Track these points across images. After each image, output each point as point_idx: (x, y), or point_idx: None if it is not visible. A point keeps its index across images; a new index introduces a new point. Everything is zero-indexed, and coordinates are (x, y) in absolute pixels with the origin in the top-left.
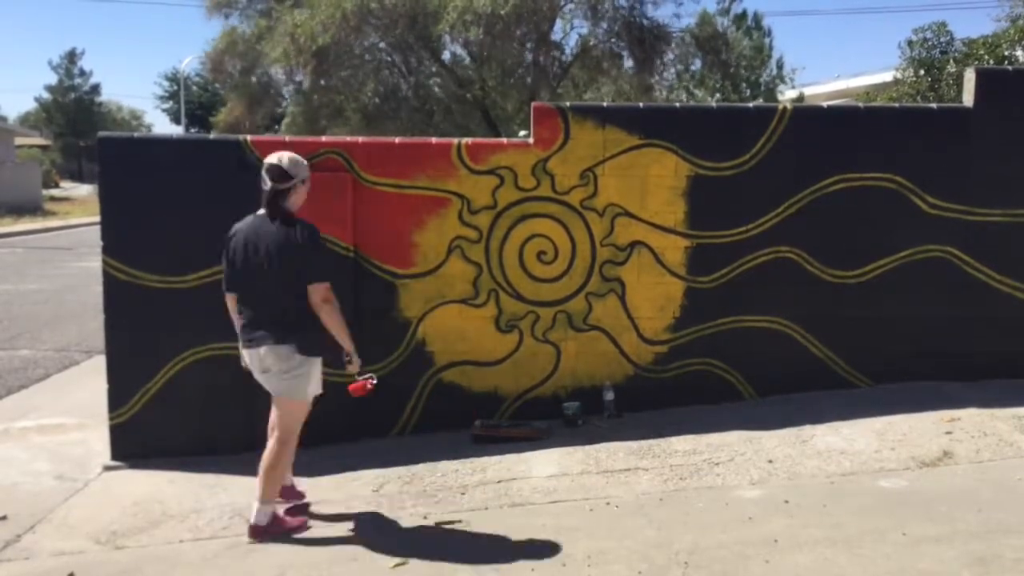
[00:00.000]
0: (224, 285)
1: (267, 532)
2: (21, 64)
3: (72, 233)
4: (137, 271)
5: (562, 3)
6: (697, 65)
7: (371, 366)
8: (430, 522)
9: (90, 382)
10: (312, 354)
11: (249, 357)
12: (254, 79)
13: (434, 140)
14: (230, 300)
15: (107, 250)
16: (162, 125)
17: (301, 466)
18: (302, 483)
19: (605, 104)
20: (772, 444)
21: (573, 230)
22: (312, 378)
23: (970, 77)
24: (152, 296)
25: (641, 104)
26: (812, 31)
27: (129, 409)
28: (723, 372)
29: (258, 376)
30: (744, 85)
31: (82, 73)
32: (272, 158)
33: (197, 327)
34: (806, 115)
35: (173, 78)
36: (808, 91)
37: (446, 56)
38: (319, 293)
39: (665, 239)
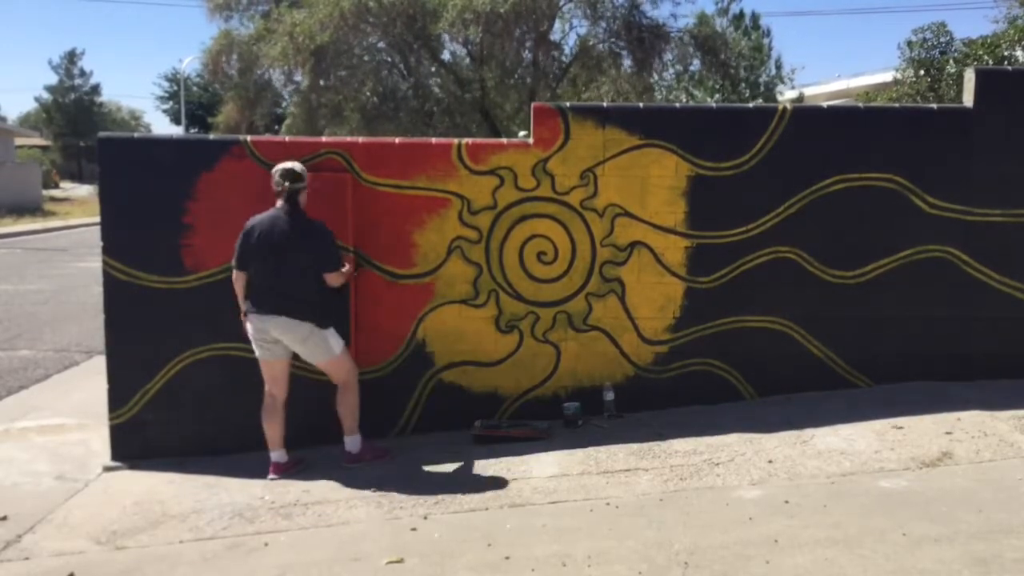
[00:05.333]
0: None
1: (360, 459)
2: (21, 64)
3: (72, 233)
4: (137, 271)
5: (561, 2)
6: (696, 65)
7: (371, 367)
8: (430, 522)
9: (90, 382)
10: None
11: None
12: (253, 80)
13: (434, 140)
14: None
15: (107, 250)
16: (162, 126)
17: (301, 466)
18: (305, 484)
19: (605, 104)
20: (772, 444)
21: (573, 230)
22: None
23: (970, 77)
24: (152, 296)
25: (641, 104)
26: (812, 31)
27: (129, 409)
28: (723, 372)
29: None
30: (743, 85)
31: (82, 73)
32: (287, 164)
33: (197, 327)
34: (806, 115)
35: (173, 79)
36: (808, 91)
37: (445, 56)
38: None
39: (665, 239)
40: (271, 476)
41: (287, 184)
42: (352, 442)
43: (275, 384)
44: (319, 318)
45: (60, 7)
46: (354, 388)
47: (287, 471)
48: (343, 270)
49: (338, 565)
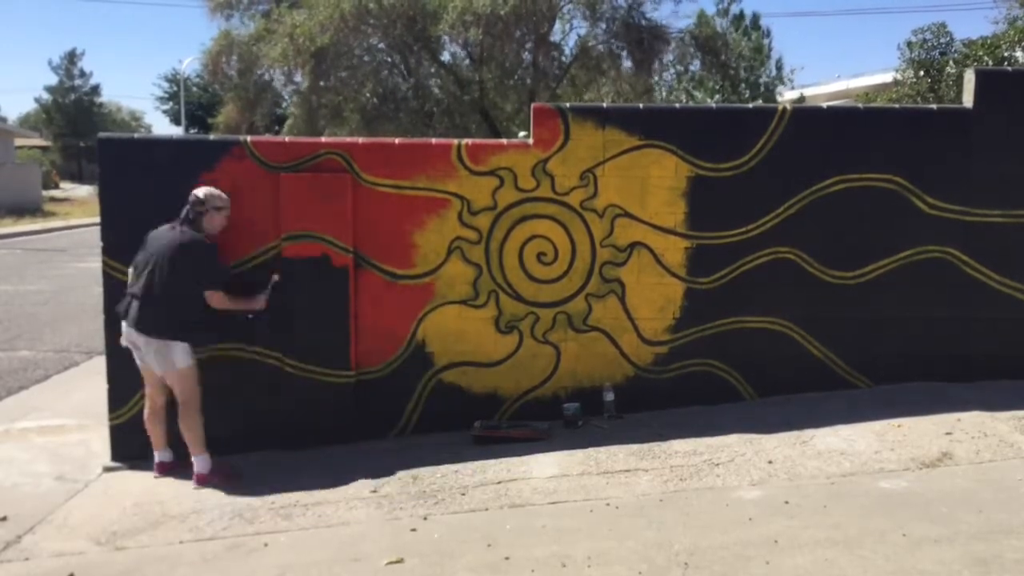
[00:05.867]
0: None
1: (209, 480)
2: (21, 64)
3: (72, 234)
4: None
5: (561, 3)
6: (696, 66)
7: (371, 367)
8: (430, 522)
9: (90, 383)
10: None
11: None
12: (253, 80)
13: (434, 141)
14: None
15: (107, 251)
16: (162, 126)
17: (303, 467)
18: (305, 484)
19: (605, 105)
20: (772, 445)
21: (573, 231)
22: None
23: (970, 78)
24: None
25: (641, 105)
26: (812, 31)
27: (129, 410)
28: (723, 373)
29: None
30: (743, 86)
31: (82, 74)
32: (200, 190)
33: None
34: (806, 116)
35: (173, 79)
36: (808, 92)
37: (445, 57)
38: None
39: (665, 240)
40: (155, 474)
41: (188, 206)
42: (200, 462)
43: (154, 389)
44: (172, 330)
45: (60, 7)
46: (194, 408)
47: (170, 471)
48: (231, 296)
49: (338, 565)
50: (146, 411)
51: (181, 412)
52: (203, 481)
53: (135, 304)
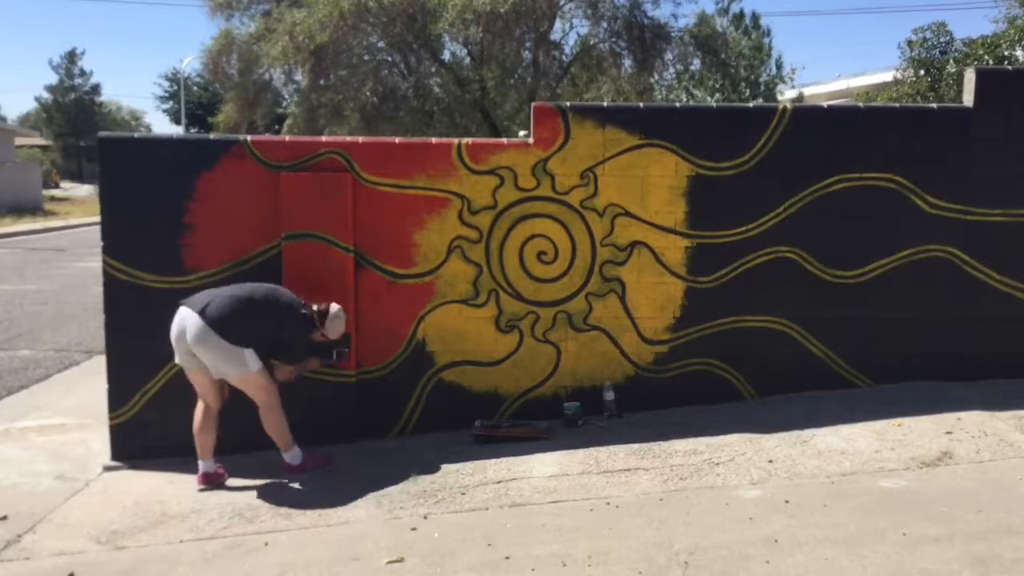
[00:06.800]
0: None
1: (302, 469)
2: (21, 64)
3: (72, 233)
4: (137, 271)
5: (561, 2)
6: (696, 65)
7: (371, 366)
8: (430, 522)
9: (90, 382)
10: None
11: None
12: (253, 79)
13: (434, 140)
14: None
15: (107, 250)
16: (162, 126)
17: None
18: (305, 484)
19: (605, 104)
20: (772, 444)
21: (573, 230)
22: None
23: (970, 77)
24: (152, 296)
25: (641, 104)
26: (812, 31)
27: (129, 409)
28: (723, 372)
29: None
30: (743, 85)
31: (82, 73)
32: (330, 306)
33: None
34: (806, 115)
35: (173, 78)
36: (808, 91)
37: (445, 56)
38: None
39: (665, 239)
40: (199, 487)
41: (316, 312)
42: (291, 456)
43: (211, 396)
44: (246, 339)
45: (60, 7)
46: (274, 408)
47: (215, 482)
48: (297, 366)
49: (338, 565)
50: (198, 420)
51: (262, 415)
52: (295, 471)
53: (214, 303)
